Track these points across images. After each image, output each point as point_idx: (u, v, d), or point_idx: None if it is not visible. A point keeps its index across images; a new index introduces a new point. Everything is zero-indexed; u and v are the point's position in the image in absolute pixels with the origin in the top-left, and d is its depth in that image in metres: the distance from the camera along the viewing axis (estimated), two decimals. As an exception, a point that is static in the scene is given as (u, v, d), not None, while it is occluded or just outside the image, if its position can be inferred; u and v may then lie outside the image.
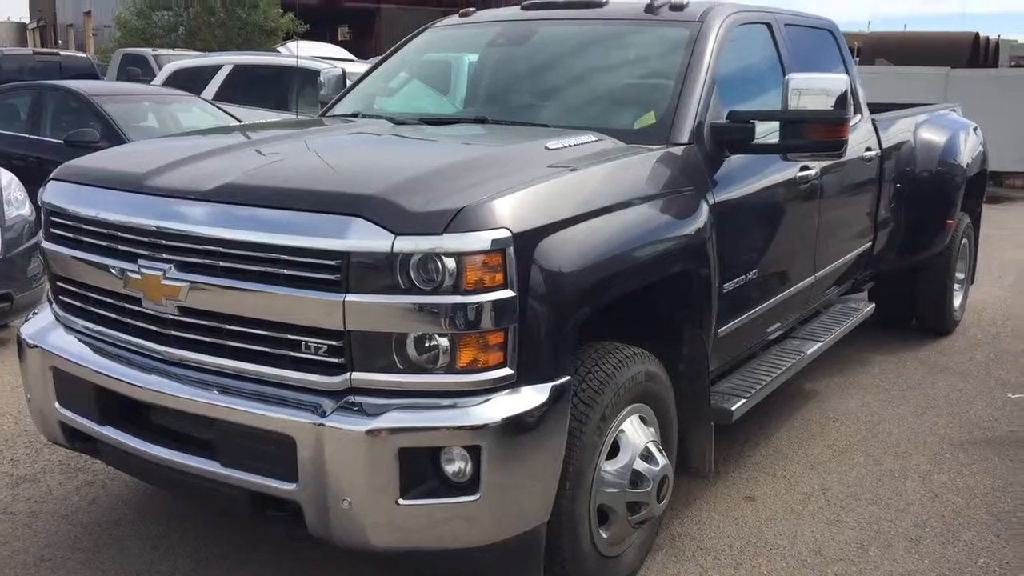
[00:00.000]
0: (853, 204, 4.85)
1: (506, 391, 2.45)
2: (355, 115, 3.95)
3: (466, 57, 4.39)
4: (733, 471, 4.08)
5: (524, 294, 2.43)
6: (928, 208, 5.72)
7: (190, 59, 12.66)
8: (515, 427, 2.43)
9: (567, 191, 2.70)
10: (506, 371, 2.44)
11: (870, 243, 5.22)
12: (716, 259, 3.32)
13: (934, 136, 5.86)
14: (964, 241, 6.35)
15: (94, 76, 14.46)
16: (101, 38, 42.68)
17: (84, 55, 16.79)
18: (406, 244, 2.34)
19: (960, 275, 6.54)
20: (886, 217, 5.40)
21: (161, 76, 11.76)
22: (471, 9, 4.46)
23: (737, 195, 3.53)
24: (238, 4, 31.38)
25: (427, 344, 2.39)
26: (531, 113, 3.72)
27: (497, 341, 2.41)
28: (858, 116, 4.99)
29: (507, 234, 2.39)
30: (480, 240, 2.35)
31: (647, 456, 2.96)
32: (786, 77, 3.43)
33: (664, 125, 3.38)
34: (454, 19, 4.49)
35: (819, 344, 4.52)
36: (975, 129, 6.56)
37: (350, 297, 2.37)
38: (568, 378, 2.58)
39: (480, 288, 2.36)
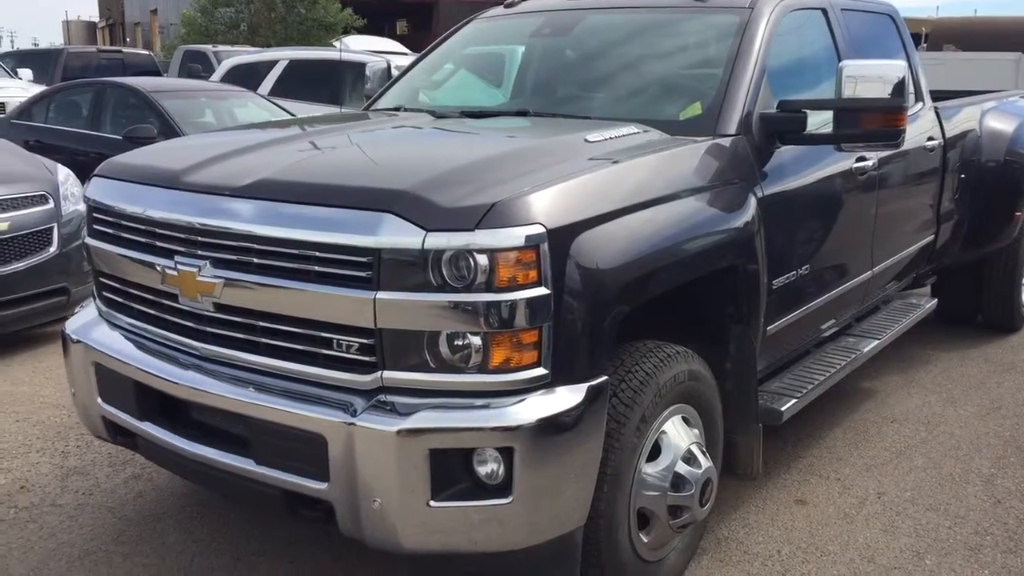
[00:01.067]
0: (914, 196, 4.66)
1: (540, 391, 2.38)
2: (397, 109, 3.92)
3: (515, 49, 4.32)
4: (784, 473, 3.95)
5: (560, 292, 2.36)
6: (994, 199, 5.47)
7: (247, 55, 12.82)
8: (549, 428, 2.36)
9: (605, 185, 2.61)
10: (540, 371, 2.37)
11: (932, 236, 5.02)
12: (765, 254, 3.21)
13: (1001, 124, 5.60)
14: (1034, 233, 6.07)
15: (156, 73, 14.76)
16: (167, 35, 43.72)
17: (147, 52, 17.15)
18: (438, 240, 2.28)
19: (1030, 268, 6.27)
20: (950, 209, 5.18)
21: (219, 72, 11.92)
22: None
23: (788, 187, 3.40)
24: (298, 0, 31.85)
25: (459, 343, 2.33)
26: (575, 105, 3.64)
27: (531, 340, 2.34)
28: (920, 104, 4.79)
29: (541, 230, 2.32)
30: (513, 236, 2.28)
31: (690, 459, 2.87)
32: (840, 64, 3.29)
33: (711, 116, 3.27)
34: (499, 10, 4.43)
35: (876, 342, 4.35)
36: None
37: (381, 295, 2.32)
38: (605, 378, 2.50)
39: (513, 286, 2.29)
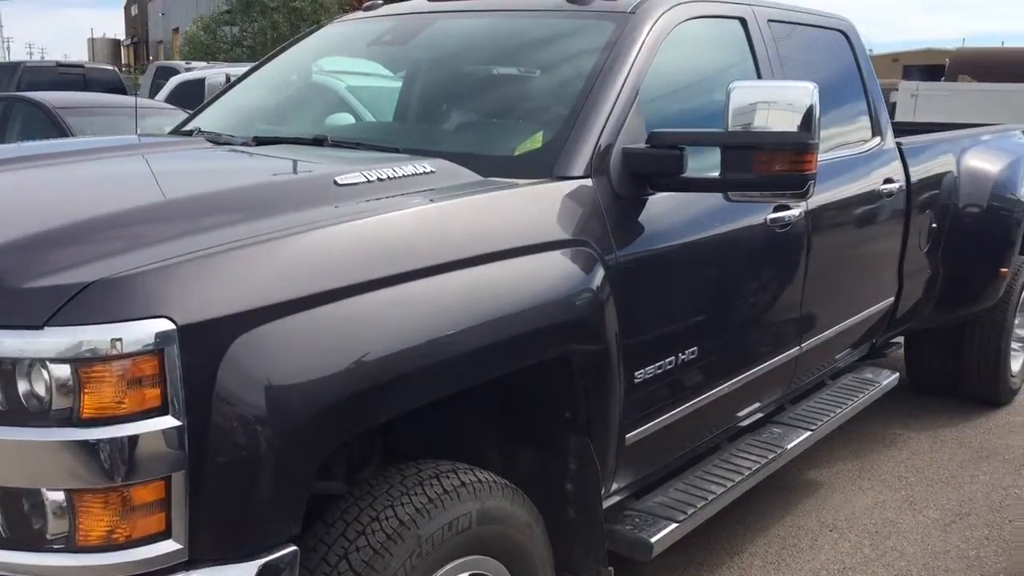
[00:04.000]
0: (864, 251, 3.80)
1: (174, 578, 1.55)
2: (191, 132, 3.11)
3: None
4: (675, 607, 3.09)
5: (204, 421, 1.53)
6: (975, 253, 4.60)
7: (195, 72, 12.15)
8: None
9: (313, 253, 1.77)
10: (171, 545, 1.54)
11: (893, 298, 4.15)
12: (620, 338, 2.37)
13: (986, 164, 4.73)
14: (1026, 292, 5.18)
15: (120, 89, 14.11)
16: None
17: (111, 68, 16.54)
18: (-7, 344, 1.46)
19: (1022, 332, 5.37)
20: (918, 265, 4.31)
21: (166, 89, 11.25)
22: (378, 1, 3.58)
23: (662, 248, 2.56)
24: (301, 19, 31.34)
25: (31, 504, 1.50)
26: (390, 132, 2.82)
27: (151, 498, 1.51)
28: (877, 140, 3.95)
29: (168, 326, 1.49)
30: (113, 336, 1.46)
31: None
32: (730, 86, 2.45)
33: (551, 151, 2.43)
34: (358, 14, 3.62)
35: (807, 434, 3.47)
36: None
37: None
38: (292, 548, 1.66)
39: (117, 414, 1.47)
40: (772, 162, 2.41)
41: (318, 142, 2.62)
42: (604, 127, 2.48)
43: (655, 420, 2.63)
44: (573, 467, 2.37)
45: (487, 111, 2.87)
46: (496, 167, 2.42)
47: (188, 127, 3.26)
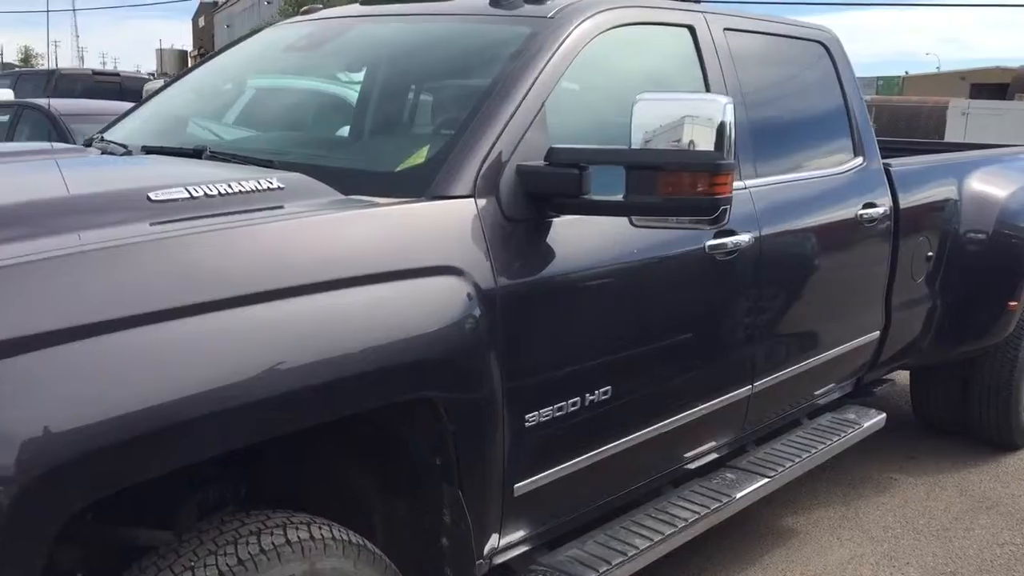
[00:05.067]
0: (837, 281, 3.47)
1: None
2: (89, 143, 2.94)
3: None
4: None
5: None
6: (978, 285, 4.23)
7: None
8: None
9: (85, 277, 1.54)
10: None
11: (879, 333, 3.81)
12: (505, 376, 2.13)
13: (993, 188, 4.36)
14: (1043, 326, 4.77)
15: (154, 98, 14.25)
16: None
17: (148, 75, 16.74)
18: None
19: (1039, 370, 4.96)
20: (910, 297, 3.97)
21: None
22: (318, 4, 3.39)
23: (569, 277, 2.30)
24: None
25: None
26: (276, 144, 2.62)
27: None
28: (859, 160, 3.63)
29: None
30: None
31: None
32: (637, 97, 2.20)
33: (432, 168, 2.20)
34: (297, 18, 3.44)
35: (763, 482, 3.16)
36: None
37: None
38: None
39: None
40: (679, 184, 2.15)
41: (196, 153, 2.43)
42: (496, 142, 2.24)
43: (555, 468, 2.37)
44: (447, 520, 2.12)
45: (379, 123, 2.66)
46: (374, 184, 2.19)
47: (111, 136, 3.11)
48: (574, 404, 2.36)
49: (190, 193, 1.86)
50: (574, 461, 2.43)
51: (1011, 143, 5.39)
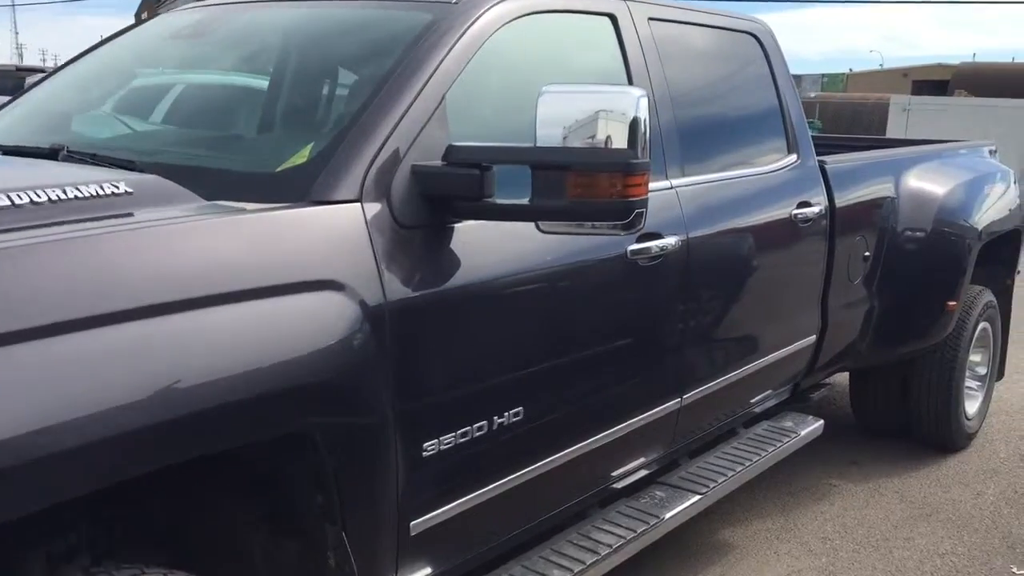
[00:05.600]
0: (770, 285, 3.31)
1: None
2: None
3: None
4: None
5: None
6: (917, 285, 4.11)
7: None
8: None
9: None
10: None
11: (815, 337, 3.67)
12: (395, 403, 1.90)
13: (931, 185, 4.25)
14: (983, 325, 4.69)
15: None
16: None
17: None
18: None
19: (980, 370, 4.88)
20: (847, 299, 3.83)
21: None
22: None
23: (471, 288, 2.08)
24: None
25: None
26: (144, 142, 2.36)
27: None
28: (793, 158, 3.48)
29: None
30: None
31: None
32: (542, 89, 1.99)
33: (313, 169, 1.97)
34: (189, 4, 3.16)
35: (695, 499, 2.98)
36: (1005, 176, 4.91)
37: None
38: None
39: None
40: (589, 186, 1.94)
41: (53, 154, 2.16)
42: (387, 139, 2.01)
43: (461, 500, 2.15)
44: (332, 563, 1.89)
45: (265, 118, 2.42)
46: (250, 187, 1.96)
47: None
48: (480, 429, 2.15)
49: (11, 201, 1.60)
50: (483, 491, 2.21)
51: (951, 139, 5.31)
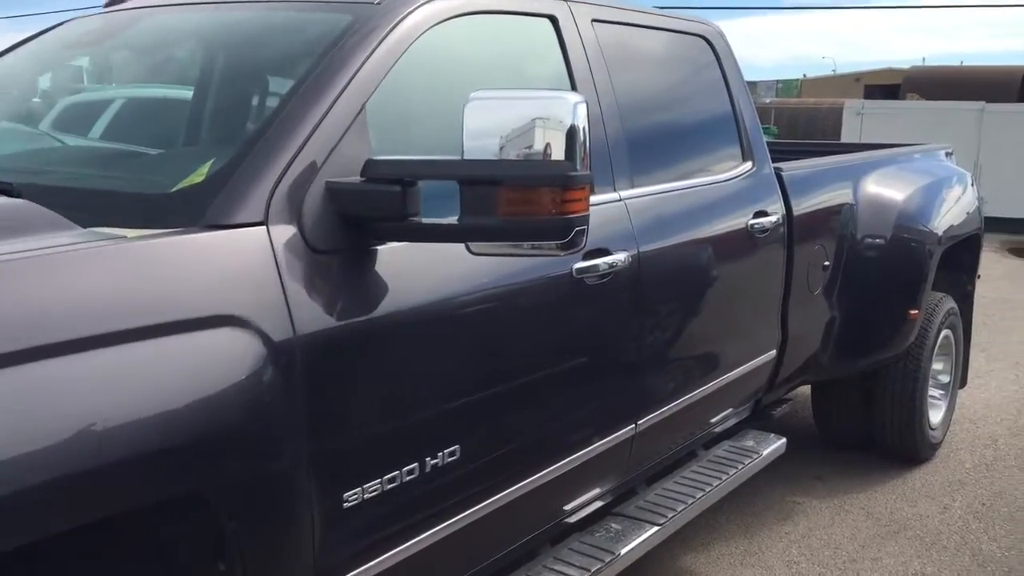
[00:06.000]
0: (728, 300, 3.14)
1: None
2: None
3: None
4: None
5: None
6: (878, 294, 3.98)
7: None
8: None
9: None
10: None
11: (775, 352, 3.51)
12: (309, 451, 1.69)
13: (890, 190, 4.13)
14: (945, 333, 4.58)
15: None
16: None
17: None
18: None
19: (943, 378, 4.77)
20: (807, 311, 3.68)
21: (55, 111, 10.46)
22: None
23: (397, 317, 1.87)
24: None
25: None
26: (35, 159, 2.13)
27: None
28: (748, 165, 3.32)
29: None
30: None
31: None
32: (471, 96, 1.79)
33: (210, 188, 1.75)
34: (98, 9, 2.91)
35: (652, 531, 2.79)
36: (963, 179, 4.82)
37: None
38: None
39: None
40: (523, 202, 1.75)
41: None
42: (297, 154, 1.80)
43: (391, 552, 1.93)
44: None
45: (166, 132, 2.19)
46: (141, 209, 1.73)
47: None
48: (411, 472, 1.94)
49: None
50: (418, 539, 2.00)
51: (905, 142, 5.22)
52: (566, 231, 1.76)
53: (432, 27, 2.18)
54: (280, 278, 1.68)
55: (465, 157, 1.76)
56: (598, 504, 2.81)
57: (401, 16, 2.11)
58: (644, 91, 2.89)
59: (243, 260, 1.66)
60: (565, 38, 2.58)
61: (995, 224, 13.75)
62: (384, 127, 2.00)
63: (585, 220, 1.79)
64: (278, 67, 2.18)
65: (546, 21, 2.57)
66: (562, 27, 2.59)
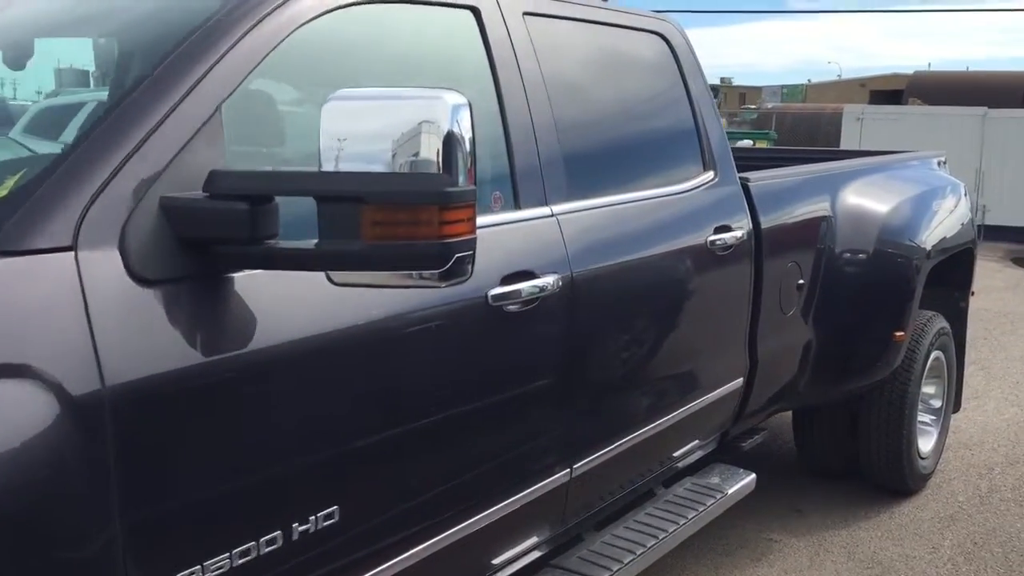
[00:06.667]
0: (683, 325, 2.82)
1: None
2: None
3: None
4: None
5: None
6: (859, 314, 3.67)
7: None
8: None
9: None
10: None
11: (742, 379, 3.19)
12: (125, 529, 1.38)
13: (873, 202, 3.81)
14: (936, 355, 4.25)
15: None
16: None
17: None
18: None
19: (934, 403, 4.45)
20: (779, 334, 3.37)
21: (28, 115, 10.22)
22: None
23: (251, 357, 1.57)
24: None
25: None
26: None
27: None
28: (709, 176, 3.01)
29: None
30: None
31: None
32: (329, 97, 1.49)
33: (9, 207, 1.45)
34: None
35: (600, 581, 2.48)
36: (955, 189, 4.50)
37: None
38: None
39: None
40: (392, 223, 1.44)
41: None
42: (123, 164, 1.49)
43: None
44: None
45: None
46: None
47: None
48: (272, 543, 1.63)
49: None
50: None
51: (903, 149, 4.91)
52: (443, 258, 1.45)
53: (321, 15, 1.87)
54: (87, 315, 1.38)
55: (322, 169, 1.45)
56: (536, 555, 2.50)
57: (274, 5, 1.80)
58: (586, 94, 2.59)
59: (40, 294, 1.35)
60: (489, 33, 2.28)
61: (997, 233, 13.47)
62: (248, 134, 1.71)
63: (470, 244, 1.49)
64: (125, 64, 1.88)
65: (467, 12, 2.27)
66: (485, 20, 2.28)
